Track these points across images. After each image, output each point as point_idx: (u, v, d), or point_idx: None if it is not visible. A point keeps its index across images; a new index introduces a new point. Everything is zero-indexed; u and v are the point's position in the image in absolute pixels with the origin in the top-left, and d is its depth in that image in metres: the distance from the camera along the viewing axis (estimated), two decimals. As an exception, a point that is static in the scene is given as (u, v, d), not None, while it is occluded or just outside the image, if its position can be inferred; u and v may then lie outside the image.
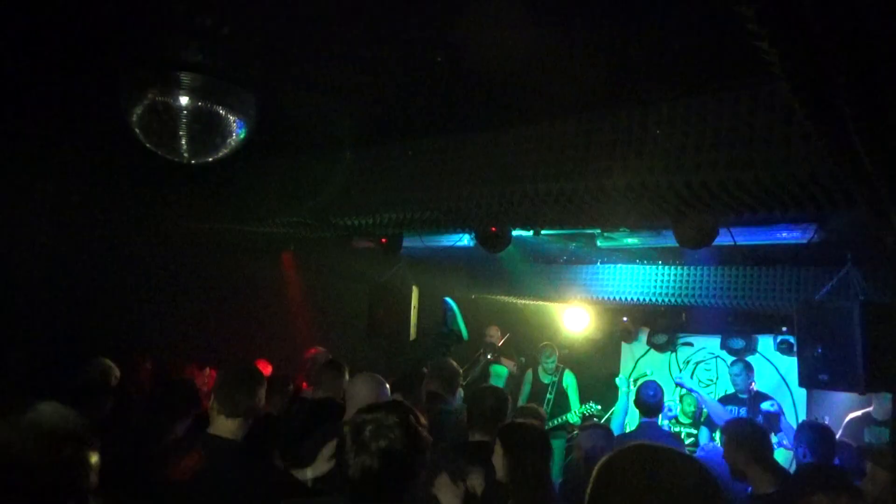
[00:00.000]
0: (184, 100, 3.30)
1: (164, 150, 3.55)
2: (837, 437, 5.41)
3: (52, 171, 4.92)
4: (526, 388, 7.14)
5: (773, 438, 5.64)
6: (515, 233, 5.16)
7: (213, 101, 3.37)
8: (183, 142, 3.46)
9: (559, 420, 6.73)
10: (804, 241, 4.44)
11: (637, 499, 1.21)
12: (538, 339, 7.53)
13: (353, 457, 1.92)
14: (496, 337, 7.44)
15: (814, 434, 4.03)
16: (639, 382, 7.51)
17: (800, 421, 6.43)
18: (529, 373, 7.25)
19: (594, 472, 1.30)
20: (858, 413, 5.43)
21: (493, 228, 5.03)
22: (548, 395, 6.89)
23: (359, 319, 6.39)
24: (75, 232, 5.23)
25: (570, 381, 6.95)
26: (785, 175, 2.73)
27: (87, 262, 5.28)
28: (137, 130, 3.45)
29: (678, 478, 1.23)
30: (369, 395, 3.24)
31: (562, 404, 6.89)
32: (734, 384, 6.10)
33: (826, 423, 5.91)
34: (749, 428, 3.64)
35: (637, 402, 5.15)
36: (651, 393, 5.06)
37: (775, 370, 7.25)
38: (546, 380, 7.06)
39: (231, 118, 3.47)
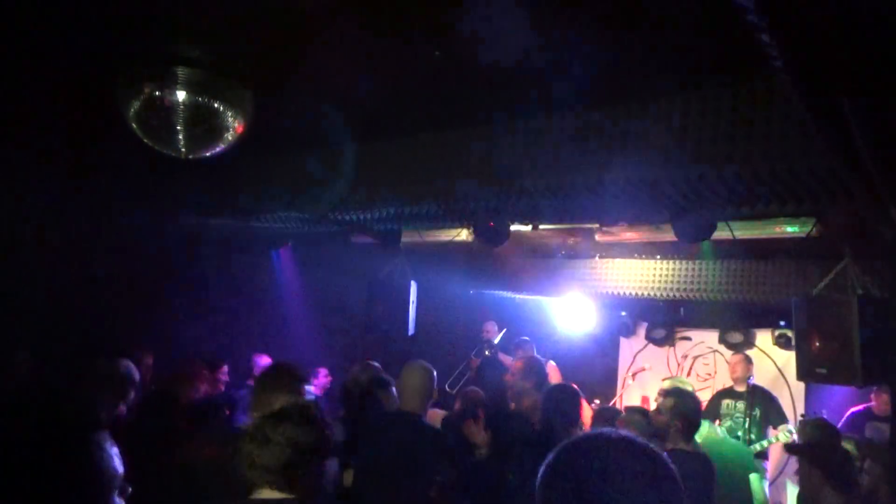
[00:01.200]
0: (181, 94, 3.29)
1: (161, 145, 3.54)
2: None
3: (48, 166, 4.90)
4: None
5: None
6: (514, 227, 5.16)
7: (210, 95, 3.36)
8: (180, 136, 3.45)
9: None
10: (802, 236, 4.44)
11: (582, 485, 1.20)
12: (536, 334, 7.53)
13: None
14: (493, 333, 7.43)
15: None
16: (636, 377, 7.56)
17: (799, 415, 6.44)
18: None
19: (547, 459, 1.28)
20: (860, 407, 5.44)
21: (492, 223, 5.02)
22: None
23: (357, 315, 6.39)
24: (72, 227, 5.22)
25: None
26: (783, 170, 2.72)
27: (83, 257, 5.27)
28: (134, 125, 3.43)
29: (628, 464, 1.21)
30: (421, 385, 3.52)
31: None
32: (732, 374, 6.07)
33: (824, 416, 5.96)
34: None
35: None
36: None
37: (773, 364, 7.26)
38: None
39: (228, 113, 3.46)
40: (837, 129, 1.93)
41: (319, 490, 2.19)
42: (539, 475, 1.26)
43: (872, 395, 5.26)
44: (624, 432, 1.29)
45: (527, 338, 6.96)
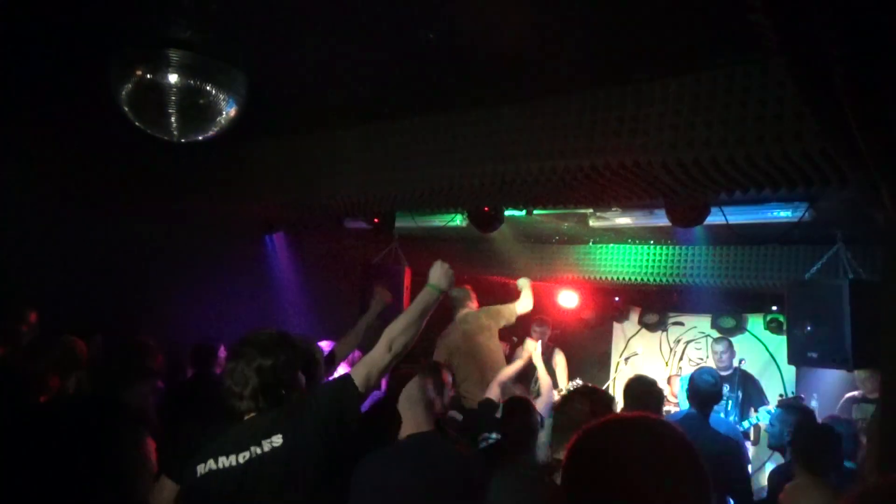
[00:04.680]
0: (173, 77, 3.26)
1: (154, 129, 3.52)
2: (827, 412, 5.52)
3: (39, 149, 4.86)
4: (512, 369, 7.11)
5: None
6: (508, 212, 5.16)
7: (203, 79, 3.33)
8: (172, 120, 3.42)
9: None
10: (795, 220, 4.46)
11: (607, 472, 1.19)
12: (530, 319, 7.54)
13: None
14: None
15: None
16: (629, 361, 7.60)
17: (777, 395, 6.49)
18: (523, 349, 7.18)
19: (567, 450, 1.28)
20: (855, 393, 5.52)
21: (486, 208, 5.02)
22: (536, 374, 6.90)
23: (351, 300, 6.39)
24: (61, 211, 5.18)
25: (559, 360, 6.96)
26: (777, 153, 2.73)
27: (73, 242, 5.24)
28: (126, 108, 3.41)
29: (653, 447, 1.21)
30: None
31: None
32: (716, 361, 6.17)
33: (814, 400, 6.03)
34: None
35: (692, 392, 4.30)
36: (711, 381, 4.27)
37: (765, 348, 7.33)
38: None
39: (221, 96, 3.43)
40: (832, 111, 1.93)
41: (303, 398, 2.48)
42: (565, 457, 1.26)
43: (857, 381, 5.34)
44: (650, 416, 1.29)
45: (544, 316, 6.92)
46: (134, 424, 2.63)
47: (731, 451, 4.03)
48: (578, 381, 6.68)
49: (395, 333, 2.64)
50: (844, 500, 1.17)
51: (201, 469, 2.32)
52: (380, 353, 2.58)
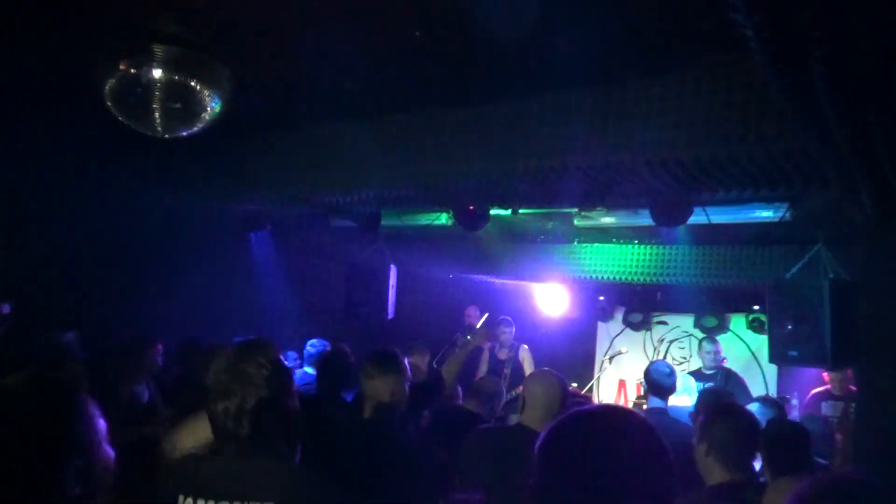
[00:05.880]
0: (157, 72, 3.23)
1: (137, 124, 3.48)
2: (802, 411, 5.59)
3: (21, 142, 4.80)
4: (484, 366, 7.15)
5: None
6: (493, 211, 5.17)
7: (188, 74, 3.31)
8: (156, 115, 3.39)
9: (516, 393, 6.75)
10: (776, 220, 4.51)
11: (577, 463, 1.24)
12: (517, 318, 7.57)
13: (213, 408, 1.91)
14: (475, 317, 7.45)
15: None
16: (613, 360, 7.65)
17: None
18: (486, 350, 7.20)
19: (548, 428, 1.31)
20: (820, 389, 5.58)
21: (471, 206, 5.03)
22: (504, 370, 6.93)
23: (336, 299, 6.37)
24: (44, 207, 5.12)
25: (525, 356, 6.99)
26: (759, 152, 2.76)
27: (57, 238, 5.18)
28: (109, 103, 3.38)
29: (622, 440, 1.25)
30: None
31: (518, 379, 6.90)
32: (706, 360, 6.21)
33: (794, 398, 6.09)
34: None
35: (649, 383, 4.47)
36: (668, 371, 4.45)
37: (747, 347, 7.40)
38: (502, 356, 7.08)
39: (206, 92, 3.41)
40: (813, 110, 1.96)
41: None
42: (539, 442, 1.30)
43: (827, 377, 5.42)
44: (620, 406, 1.34)
45: (508, 317, 6.98)
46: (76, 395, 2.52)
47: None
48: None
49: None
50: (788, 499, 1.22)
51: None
52: None
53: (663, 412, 4.27)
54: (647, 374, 4.42)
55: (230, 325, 6.15)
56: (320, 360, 4.28)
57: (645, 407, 5.19)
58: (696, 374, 6.14)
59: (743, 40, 1.80)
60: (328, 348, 4.41)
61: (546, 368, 3.43)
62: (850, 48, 1.69)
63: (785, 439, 3.43)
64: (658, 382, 4.34)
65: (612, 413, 1.39)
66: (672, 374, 4.49)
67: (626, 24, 2.69)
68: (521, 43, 2.97)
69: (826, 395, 5.57)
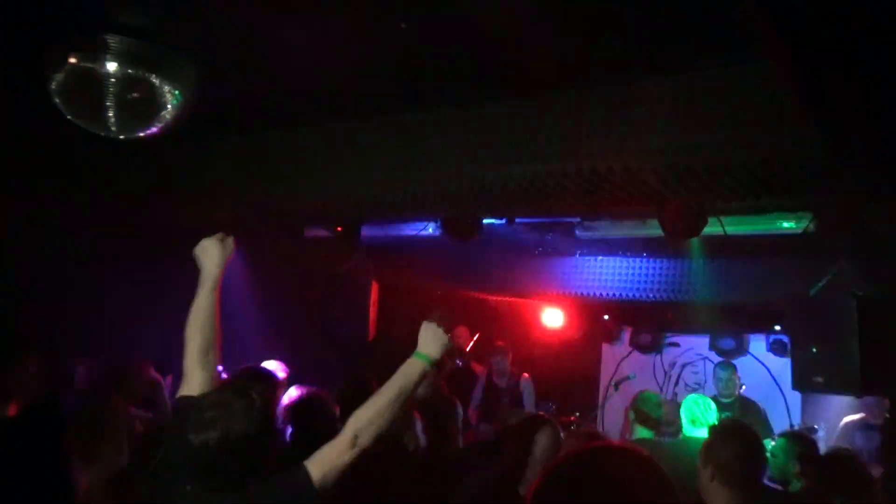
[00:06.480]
0: (111, 66, 3.27)
1: (89, 123, 3.51)
2: (832, 443, 5.64)
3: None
4: (479, 394, 7.19)
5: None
6: (486, 221, 5.22)
7: (146, 68, 3.35)
8: (110, 114, 3.43)
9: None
10: (799, 232, 4.58)
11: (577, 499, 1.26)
12: (512, 340, 7.61)
13: (194, 438, 2.07)
14: (464, 339, 7.48)
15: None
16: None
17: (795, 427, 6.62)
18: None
19: (541, 473, 1.35)
20: (854, 417, 5.63)
21: (462, 216, 5.07)
22: (503, 400, 6.97)
23: (312, 318, 6.38)
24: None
25: (526, 386, 7.04)
26: (775, 158, 2.84)
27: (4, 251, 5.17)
28: (58, 99, 3.41)
29: (627, 479, 1.28)
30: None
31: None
32: (720, 388, 6.20)
33: (821, 430, 6.14)
34: None
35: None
36: (657, 402, 4.60)
37: (767, 372, 7.45)
38: (502, 383, 7.13)
39: (166, 88, 3.45)
40: (829, 114, 2.04)
41: None
42: (536, 486, 1.33)
43: (862, 405, 5.47)
44: (620, 443, 1.39)
45: (501, 343, 7.04)
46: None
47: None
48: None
49: (363, 423, 2.22)
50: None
51: None
52: (341, 449, 2.19)
53: (651, 444, 4.35)
54: (634, 402, 4.56)
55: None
56: (296, 416, 3.75)
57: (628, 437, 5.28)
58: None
59: (757, 41, 1.88)
60: (304, 396, 3.96)
61: (550, 418, 3.49)
62: (866, 49, 1.77)
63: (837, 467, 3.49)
64: (647, 413, 4.46)
65: (612, 454, 1.39)
66: (662, 404, 4.61)
67: (634, 18, 2.77)
68: (522, 38, 3.03)
69: (861, 425, 5.62)
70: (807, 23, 1.64)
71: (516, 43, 3.11)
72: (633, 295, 6.45)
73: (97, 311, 5.74)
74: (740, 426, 2.89)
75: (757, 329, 7.37)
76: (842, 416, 6.18)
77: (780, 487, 4.06)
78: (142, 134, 3.64)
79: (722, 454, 2.53)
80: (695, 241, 4.89)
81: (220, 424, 2.06)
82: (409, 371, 2.36)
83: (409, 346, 2.47)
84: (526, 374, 7.04)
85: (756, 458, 2.64)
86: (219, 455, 2.06)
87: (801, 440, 4.83)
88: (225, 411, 2.09)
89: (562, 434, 3.38)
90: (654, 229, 4.73)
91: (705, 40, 2.84)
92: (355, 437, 2.20)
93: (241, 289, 7.14)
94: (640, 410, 4.46)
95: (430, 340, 2.45)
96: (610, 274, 6.57)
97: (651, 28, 2.79)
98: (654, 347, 8.04)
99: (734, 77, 2.95)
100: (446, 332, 2.49)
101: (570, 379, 7.98)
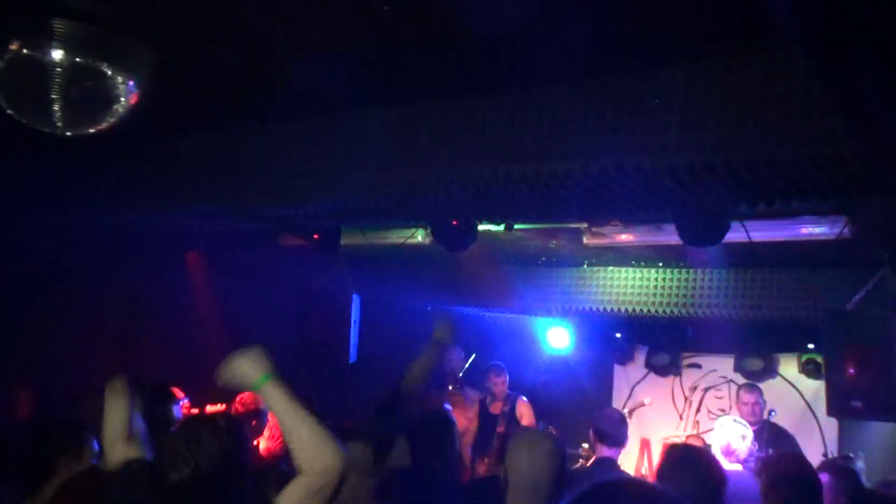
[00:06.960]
0: (57, 54, 3.25)
1: (32, 118, 3.49)
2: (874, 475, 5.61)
3: None
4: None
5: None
6: (482, 227, 5.21)
7: (96, 56, 3.33)
8: (56, 108, 3.41)
9: None
10: (833, 238, 4.57)
11: None
12: (512, 362, 7.58)
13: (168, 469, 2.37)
14: (458, 362, 7.45)
15: None
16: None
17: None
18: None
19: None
20: None
21: (455, 221, 5.06)
22: (498, 428, 6.94)
23: (286, 336, 6.35)
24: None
25: (524, 410, 7.01)
26: (804, 156, 2.82)
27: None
28: (-5, 92, 3.39)
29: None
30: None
31: None
32: (742, 413, 6.14)
33: (860, 460, 6.11)
34: None
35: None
36: (618, 418, 4.90)
37: (800, 396, 7.44)
38: (495, 409, 7.09)
39: (119, 78, 3.43)
40: (861, 107, 2.02)
41: None
42: None
43: None
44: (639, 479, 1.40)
45: (499, 363, 7.01)
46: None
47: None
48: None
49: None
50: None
51: None
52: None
53: (613, 464, 4.59)
54: (595, 421, 4.77)
55: (149, 364, 6.12)
56: None
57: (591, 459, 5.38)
58: None
59: (783, 26, 1.85)
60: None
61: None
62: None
63: None
64: (605, 431, 4.66)
65: (627, 489, 1.37)
66: (624, 422, 4.85)
67: (643, 6, 2.75)
68: (522, 24, 3.01)
69: None
70: (839, 3, 1.61)
71: (515, 31, 3.09)
72: (648, 310, 6.44)
73: (36, 335, 5.72)
74: (802, 465, 2.98)
75: (787, 348, 7.36)
76: (883, 446, 6.17)
77: None
78: (92, 130, 3.62)
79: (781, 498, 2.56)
80: (716, 248, 4.86)
81: (191, 459, 2.34)
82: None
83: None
84: (523, 399, 7.01)
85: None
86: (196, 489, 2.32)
87: (843, 474, 4.78)
88: (195, 444, 2.37)
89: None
90: (670, 235, 4.73)
91: (723, 24, 2.82)
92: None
93: (206, 304, 7.13)
94: (600, 428, 4.65)
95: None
96: (622, 286, 6.56)
97: (662, 9, 2.77)
98: (672, 369, 8.03)
99: (757, 65, 2.93)
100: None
101: (577, 405, 7.94)
